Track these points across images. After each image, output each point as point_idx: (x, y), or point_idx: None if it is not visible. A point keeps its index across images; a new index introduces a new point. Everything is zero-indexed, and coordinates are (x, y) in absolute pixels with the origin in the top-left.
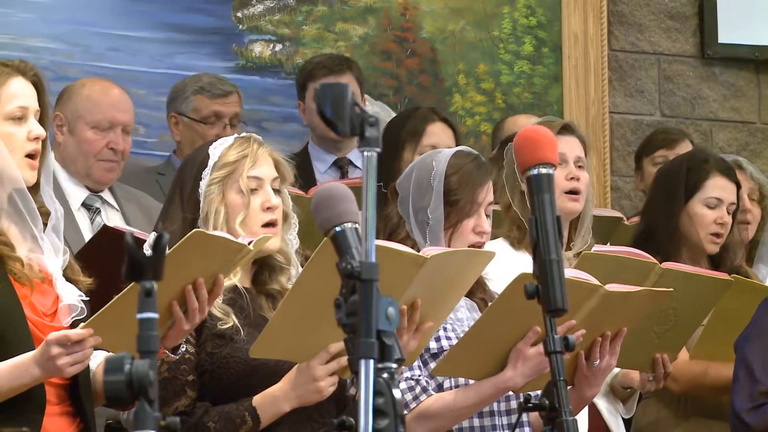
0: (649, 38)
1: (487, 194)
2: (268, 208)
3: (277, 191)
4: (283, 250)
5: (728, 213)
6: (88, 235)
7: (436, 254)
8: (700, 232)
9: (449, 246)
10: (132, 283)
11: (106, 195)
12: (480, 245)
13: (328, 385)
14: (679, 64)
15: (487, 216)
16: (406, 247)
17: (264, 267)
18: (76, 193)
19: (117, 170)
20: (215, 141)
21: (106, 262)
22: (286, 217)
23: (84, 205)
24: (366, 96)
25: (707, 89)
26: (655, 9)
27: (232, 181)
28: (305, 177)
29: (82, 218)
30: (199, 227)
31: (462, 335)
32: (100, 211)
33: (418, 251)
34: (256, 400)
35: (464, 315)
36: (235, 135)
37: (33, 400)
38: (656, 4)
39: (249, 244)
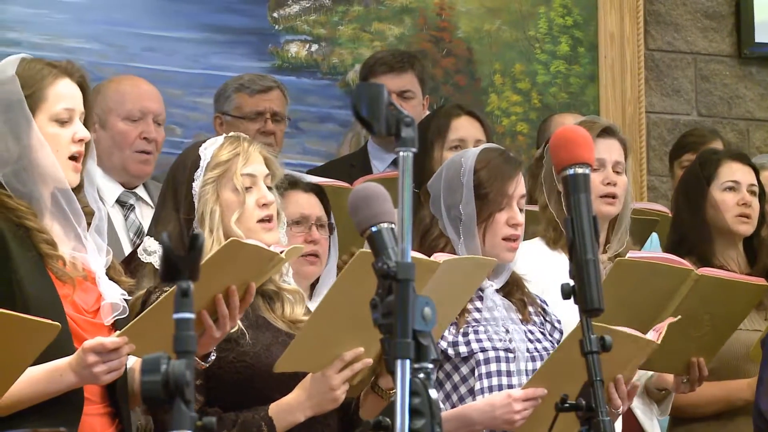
0: (686, 38)
1: (517, 187)
2: (264, 205)
3: (269, 188)
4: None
5: (751, 194)
6: (122, 232)
7: (447, 259)
8: (726, 216)
9: (484, 241)
10: (168, 292)
11: (140, 191)
12: (515, 238)
13: (342, 393)
14: (715, 63)
15: (521, 209)
16: (420, 254)
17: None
18: (110, 190)
19: (152, 163)
20: (205, 141)
21: None
22: (277, 214)
23: (118, 201)
24: None
25: (744, 89)
26: (691, 8)
27: (226, 180)
28: (363, 174)
29: (115, 215)
30: (195, 228)
31: (493, 336)
32: (134, 207)
33: (453, 249)
34: (272, 409)
35: (500, 315)
36: (224, 135)
37: (71, 400)
38: (693, 4)
39: (281, 253)
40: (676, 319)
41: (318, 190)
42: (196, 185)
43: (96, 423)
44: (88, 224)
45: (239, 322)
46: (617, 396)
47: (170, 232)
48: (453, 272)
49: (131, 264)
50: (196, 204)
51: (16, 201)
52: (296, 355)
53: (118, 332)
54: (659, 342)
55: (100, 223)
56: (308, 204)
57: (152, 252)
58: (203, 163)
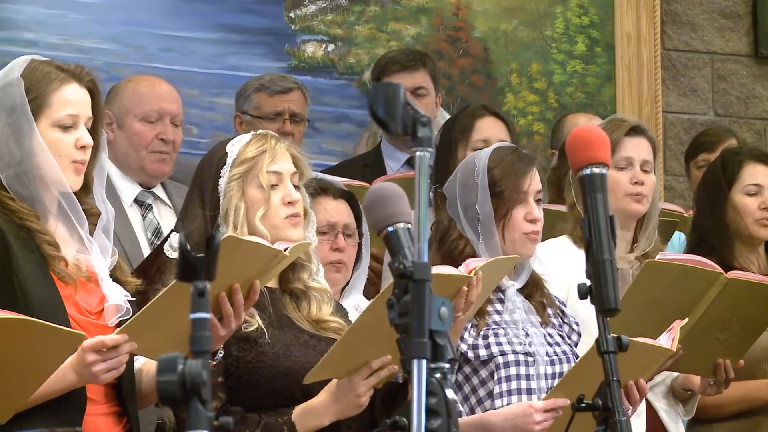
0: (703, 37)
1: (532, 182)
2: (289, 203)
3: (296, 187)
4: None
5: None
6: (139, 231)
7: (479, 267)
8: (747, 220)
9: (503, 238)
10: (166, 288)
11: (158, 191)
12: (534, 233)
13: (367, 399)
14: (732, 63)
15: (537, 204)
16: (454, 269)
17: (287, 265)
18: (128, 190)
19: (170, 163)
20: (232, 139)
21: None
22: (305, 213)
23: (136, 201)
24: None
25: (761, 88)
26: (708, 8)
27: (252, 177)
28: (377, 175)
29: (134, 214)
30: (219, 224)
31: (513, 339)
32: (152, 207)
33: (473, 249)
34: (296, 413)
35: (520, 317)
36: (252, 132)
37: (74, 399)
38: (709, 3)
39: (285, 250)
40: (684, 321)
41: (348, 197)
42: (222, 182)
43: (100, 423)
44: (95, 225)
45: (259, 320)
46: (625, 400)
47: (192, 230)
48: (484, 276)
49: (158, 260)
50: (221, 200)
51: (18, 203)
52: (327, 367)
53: (117, 330)
54: (675, 349)
55: (107, 224)
56: (336, 211)
57: (177, 249)
58: (229, 160)
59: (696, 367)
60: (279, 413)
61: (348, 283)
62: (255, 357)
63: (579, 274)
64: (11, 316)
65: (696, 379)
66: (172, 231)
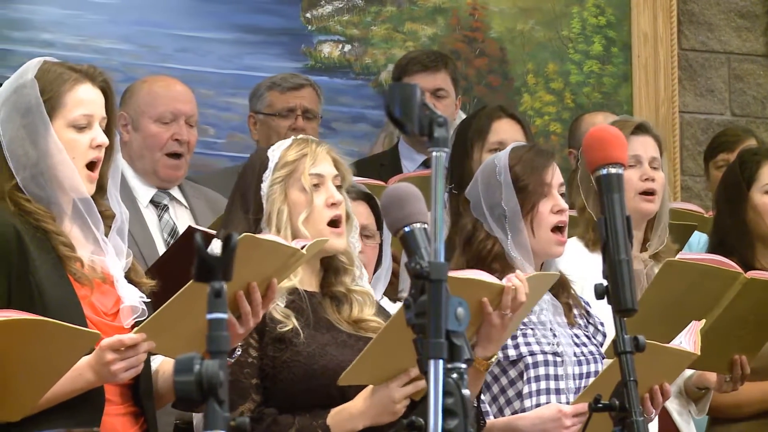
0: (719, 37)
1: (554, 175)
2: (332, 204)
3: (338, 188)
4: (347, 251)
5: None
6: (155, 232)
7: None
8: (767, 220)
9: (532, 233)
10: (184, 288)
11: (175, 192)
12: (562, 224)
13: (402, 407)
14: (749, 63)
15: (562, 195)
16: (492, 277)
17: (329, 269)
18: (144, 190)
19: (183, 167)
20: (273, 145)
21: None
22: (348, 218)
23: (152, 202)
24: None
25: None
26: (725, 8)
27: (294, 180)
28: (393, 175)
29: (150, 215)
30: (263, 229)
31: (542, 339)
32: (168, 208)
33: (502, 248)
34: (331, 416)
35: (547, 318)
36: (293, 137)
37: (92, 399)
38: (726, 3)
39: (302, 248)
40: (702, 323)
41: (368, 198)
42: (264, 186)
43: (117, 423)
44: (109, 227)
45: (295, 322)
46: (650, 404)
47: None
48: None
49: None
50: (264, 204)
51: (34, 204)
52: (359, 370)
53: (135, 329)
54: (699, 352)
55: (122, 225)
56: (355, 213)
57: None
58: (271, 164)
59: (712, 364)
60: (314, 416)
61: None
62: (290, 356)
63: (590, 277)
64: (26, 317)
65: (711, 377)
66: (187, 229)
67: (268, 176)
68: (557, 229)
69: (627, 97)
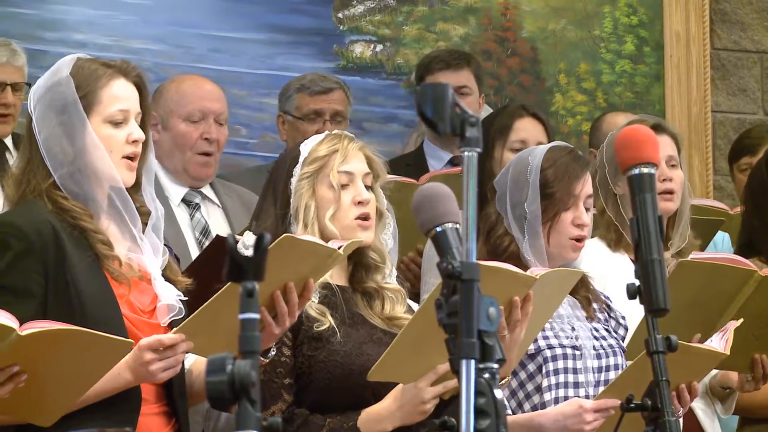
0: (752, 36)
1: (584, 187)
2: (359, 203)
3: (369, 188)
4: (377, 248)
5: None
6: (187, 231)
7: (543, 274)
8: None
9: (548, 240)
10: (223, 288)
11: (207, 191)
12: (581, 238)
13: (432, 407)
14: None
15: (587, 209)
16: (518, 269)
17: (359, 265)
18: (176, 189)
19: (213, 165)
20: (307, 139)
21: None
22: (380, 215)
23: (184, 200)
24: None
25: None
26: (757, 7)
27: (323, 176)
28: (419, 174)
29: (181, 214)
30: (290, 223)
31: (560, 333)
32: (199, 206)
33: (517, 247)
34: (362, 418)
35: (565, 312)
36: (327, 132)
37: (129, 399)
38: (759, 2)
39: (339, 248)
40: (739, 322)
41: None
42: (294, 180)
43: (152, 423)
44: (145, 224)
45: (331, 319)
46: (677, 402)
47: (265, 229)
48: (545, 285)
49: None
50: (291, 199)
51: (71, 202)
52: (389, 364)
53: (175, 329)
54: (728, 352)
55: (157, 222)
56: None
57: (250, 246)
58: (302, 159)
59: (733, 363)
60: (345, 418)
61: None
62: (327, 356)
63: (618, 277)
64: (60, 327)
65: (734, 376)
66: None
67: (297, 170)
68: (575, 239)
69: (659, 96)
